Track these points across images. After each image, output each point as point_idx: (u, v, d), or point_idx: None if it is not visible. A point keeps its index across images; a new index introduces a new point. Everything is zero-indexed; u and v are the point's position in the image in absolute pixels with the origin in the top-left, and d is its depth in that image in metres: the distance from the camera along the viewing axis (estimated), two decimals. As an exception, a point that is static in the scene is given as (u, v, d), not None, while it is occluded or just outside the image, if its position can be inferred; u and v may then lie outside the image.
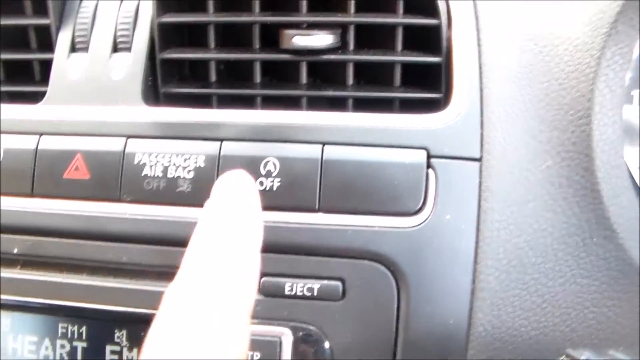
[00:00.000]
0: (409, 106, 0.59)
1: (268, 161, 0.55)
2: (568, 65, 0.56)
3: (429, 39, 0.59)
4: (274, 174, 0.55)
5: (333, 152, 0.55)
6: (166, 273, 0.56)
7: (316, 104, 0.60)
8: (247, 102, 0.61)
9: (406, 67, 0.60)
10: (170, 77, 0.61)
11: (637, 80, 0.63)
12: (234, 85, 0.61)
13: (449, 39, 0.58)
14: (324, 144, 0.55)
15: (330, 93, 0.59)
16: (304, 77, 0.60)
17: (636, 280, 0.56)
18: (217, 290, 0.37)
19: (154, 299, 0.55)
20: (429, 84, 0.59)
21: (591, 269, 0.56)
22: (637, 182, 0.62)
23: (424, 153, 0.54)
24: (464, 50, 0.57)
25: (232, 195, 0.43)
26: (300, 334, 0.55)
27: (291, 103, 0.60)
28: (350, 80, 0.60)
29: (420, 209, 0.54)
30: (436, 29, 0.57)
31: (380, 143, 0.55)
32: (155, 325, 0.36)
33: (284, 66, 0.62)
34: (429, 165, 0.54)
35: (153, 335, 0.36)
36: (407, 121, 0.56)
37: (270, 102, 0.60)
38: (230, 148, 0.56)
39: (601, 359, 0.48)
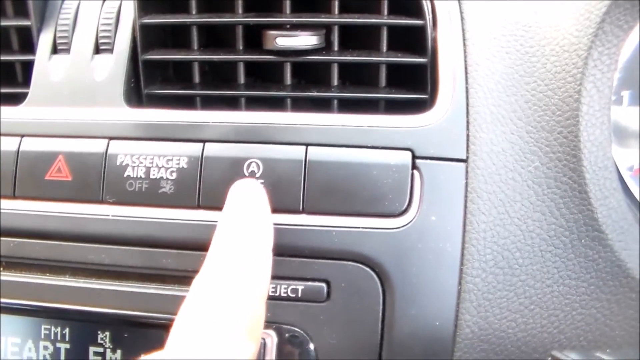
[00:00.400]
0: (394, 107, 0.58)
1: (251, 162, 0.54)
2: (555, 66, 0.56)
3: (415, 40, 0.58)
4: (257, 175, 0.54)
5: (317, 153, 0.54)
6: (148, 274, 0.56)
7: (301, 105, 0.60)
8: (231, 103, 0.60)
9: (392, 67, 0.60)
10: (153, 78, 0.61)
11: (627, 81, 0.62)
12: (217, 87, 0.60)
13: (434, 40, 0.57)
14: (307, 145, 0.54)
15: (314, 94, 0.58)
16: (288, 78, 0.59)
17: (625, 282, 0.56)
18: (241, 278, 0.43)
19: (137, 300, 0.55)
20: (414, 85, 0.59)
21: (579, 271, 0.55)
22: (628, 183, 0.62)
23: (409, 154, 0.54)
24: (450, 51, 0.57)
25: (247, 201, 0.49)
26: (285, 335, 0.55)
27: (275, 104, 0.60)
28: (335, 81, 0.59)
29: (406, 210, 0.53)
30: (421, 30, 0.57)
31: (365, 144, 0.54)
32: (183, 312, 0.42)
33: (268, 67, 0.62)
34: (414, 166, 0.54)
35: (181, 321, 0.41)
36: (392, 122, 0.55)
37: (255, 103, 0.60)
38: (213, 149, 0.55)
39: (586, 361, 0.47)
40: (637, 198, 0.63)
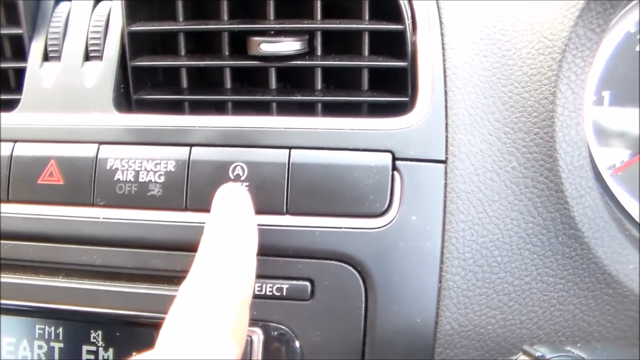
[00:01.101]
0: (377, 109, 0.60)
1: (236, 166, 0.56)
2: (531, 69, 0.57)
3: (395, 44, 0.60)
4: (242, 178, 0.56)
5: (300, 156, 0.56)
6: (139, 275, 0.58)
7: (286, 108, 0.61)
8: (218, 107, 0.62)
9: (374, 70, 0.61)
10: (143, 83, 0.62)
11: (608, 81, 0.64)
12: (205, 92, 0.62)
13: (414, 44, 0.59)
14: (290, 148, 0.56)
15: (298, 98, 0.60)
16: (273, 83, 0.61)
17: (601, 279, 0.57)
18: (225, 282, 0.45)
19: (128, 300, 0.57)
20: (396, 87, 0.60)
21: (557, 268, 0.57)
22: (607, 182, 0.64)
23: (389, 156, 0.55)
24: (429, 55, 0.58)
25: (231, 207, 0.51)
26: (271, 333, 0.56)
27: (262, 108, 0.61)
28: (319, 85, 0.61)
29: (386, 211, 0.55)
30: (401, 34, 0.58)
31: (346, 146, 0.56)
32: (172, 314, 0.44)
33: (254, 71, 0.63)
34: (394, 168, 0.55)
35: (169, 323, 0.43)
36: (373, 124, 0.57)
37: (241, 107, 0.62)
38: (200, 153, 0.57)
39: (556, 355, 0.48)
40: (616, 196, 0.65)
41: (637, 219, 0.63)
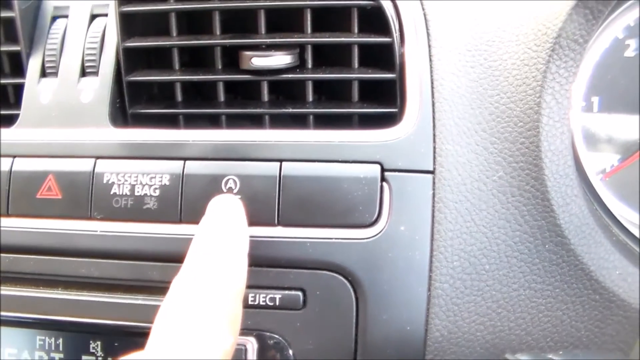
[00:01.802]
0: (368, 120, 0.61)
1: (229, 179, 0.57)
2: (516, 79, 0.58)
3: (384, 56, 0.61)
4: (235, 191, 0.57)
5: (291, 169, 0.57)
6: (136, 286, 0.59)
7: (279, 120, 0.63)
8: (212, 120, 0.63)
9: (364, 82, 0.62)
10: (138, 97, 0.64)
11: (597, 87, 0.65)
12: (199, 105, 0.63)
13: (402, 56, 0.60)
14: (282, 160, 0.57)
15: (289, 110, 0.61)
16: (265, 96, 0.62)
17: (588, 285, 0.58)
18: (218, 274, 0.47)
19: (126, 311, 0.58)
20: (386, 98, 0.61)
21: (544, 275, 0.58)
22: (596, 188, 0.65)
23: (378, 167, 0.57)
24: (416, 67, 0.60)
25: (224, 212, 0.53)
26: (265, 342, 0.58)
27: (255, 120, 0.63)
28: (310, 97, 0.62)
29: (376, 221, 0.56)
30: (389, 47, 0.60)
31: (336, 158, 0.57)
32: (163, 310, 0.45)
33: (247, 84, 0.64)
34: (383, 179, 0.57)
35: (161, 320, 0.44)
36: (362, 136, 0.58)
37: (235, 120, 0.63)
38: (194, 167, 0.58)
39: (539, 362, 0.50)
40: (605, 202, 0.66)
41: (625, 224, 0.65)
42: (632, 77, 0.64)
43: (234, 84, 0.65)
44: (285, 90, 0.65)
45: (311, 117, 0.62)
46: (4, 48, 0.66)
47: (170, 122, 0.63)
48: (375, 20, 0.61)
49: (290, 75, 0.61)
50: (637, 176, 0.65)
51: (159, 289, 0.59)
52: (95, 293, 0.60)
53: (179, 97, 0.64)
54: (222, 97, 0.63)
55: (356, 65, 0.62)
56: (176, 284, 0.47)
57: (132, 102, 0.63)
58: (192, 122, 0.64)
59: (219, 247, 0.49)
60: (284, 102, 0.64)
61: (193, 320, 0.43)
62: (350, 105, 0.62)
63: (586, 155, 0.66)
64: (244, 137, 0.59)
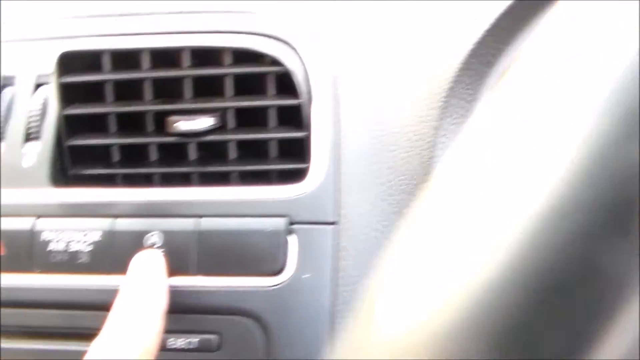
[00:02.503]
0: (285, 174, 0.67)
1: (153, 234, 0.63)
2: (414, 135, 0.64)
3: (297, 116, 0.67)
4: (158, 245, 0.63)
5: (208, 224, 0.63)
6: (71, 334, 0.65)
7: (207, 176, 0.69)
8: (147, 177, 0.70)
9: (282, 139, 0.68)
10: (79, 159, 0.70)
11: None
12: (134, 165, 0.70)
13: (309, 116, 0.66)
14: (200, 216, 0.63)
15: (214, 169, 0.67)
16: (191, 155, 0.68)
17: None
18: (129, 336, 0.54)
19: (61, 357, 0.64)
20: (300, 155, 0.67)
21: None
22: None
23: (284, 220, 0.62)
24: (323, 126, 0.65)
25: (143, 269, 0.60)
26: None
27: (184, 176, 0.69)
28: (233, 155, 0.68)
29: (282, 270, 0.62)
30: (298, 108, 0.66)
31: (248, 213, 0.63)
32: None
33: (177, 145, 0.71)
34: (291, 231, 0.62)
35: None
36: (273, 193, 0.64)
37: (167, 177, 0.69)
38: (122, 224, 0.64)
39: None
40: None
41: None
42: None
43: (166, 146, 0.71)
44: (212, 148, 0.71)
45: (236, 173, 0.68)
46: None
47: (108, 181, 0.70)
48: (288, 85, 0.67)
49: (212, 137, 0.67)
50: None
51: (92, 335, 0.64)
52: (34, 341, 0.66)
53: (117, 157, 0.70)
54: (154, 157, 0.69)
55: (273, 124, 0.68)
56: (92, 347, 0.53)
57: (73, 164, 0.70)
58: (129, 179, 0.70)
59: (133, 308, 0.56)
60: (210, 159, 0.70)
61: None
62: (267, 162, 0.68)
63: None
64: (169, 196, 0.65)
